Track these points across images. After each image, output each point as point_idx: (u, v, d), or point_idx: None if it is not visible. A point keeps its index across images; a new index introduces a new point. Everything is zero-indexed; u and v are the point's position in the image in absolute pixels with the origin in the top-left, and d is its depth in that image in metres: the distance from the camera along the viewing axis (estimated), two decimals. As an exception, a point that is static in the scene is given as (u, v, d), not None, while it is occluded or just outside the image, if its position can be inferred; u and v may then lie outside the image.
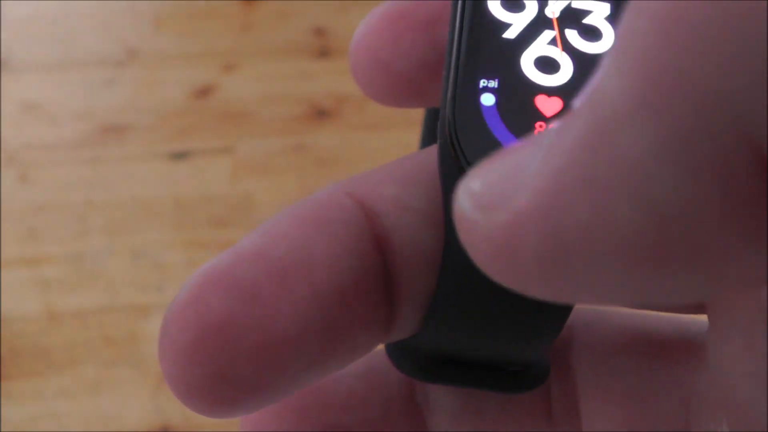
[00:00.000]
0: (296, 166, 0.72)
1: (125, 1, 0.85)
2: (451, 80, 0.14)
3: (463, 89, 0.14)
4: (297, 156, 0.72)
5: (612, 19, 0.15)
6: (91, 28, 0.83)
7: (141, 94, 0.77)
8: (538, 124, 0.13)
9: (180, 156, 0.73)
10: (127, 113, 0.76)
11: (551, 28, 0.14)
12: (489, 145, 0.13)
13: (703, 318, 0.14)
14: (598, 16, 0.15)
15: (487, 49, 0.14)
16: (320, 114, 0.75)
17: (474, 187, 0.10)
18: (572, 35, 0.15)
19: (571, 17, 0.15)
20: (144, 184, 0.71)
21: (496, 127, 0.13)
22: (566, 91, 0.14)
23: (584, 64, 0.14)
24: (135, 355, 0.61)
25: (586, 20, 0.15)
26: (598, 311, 0.17)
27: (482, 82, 0.14)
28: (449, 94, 0.14)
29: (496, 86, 0.14)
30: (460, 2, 0.15)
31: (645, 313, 0.16)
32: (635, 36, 0.08)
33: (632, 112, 0.08)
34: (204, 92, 0.77)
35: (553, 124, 0.09)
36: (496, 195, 0.10)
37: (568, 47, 0.14)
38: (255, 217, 0.69)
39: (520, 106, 0.14)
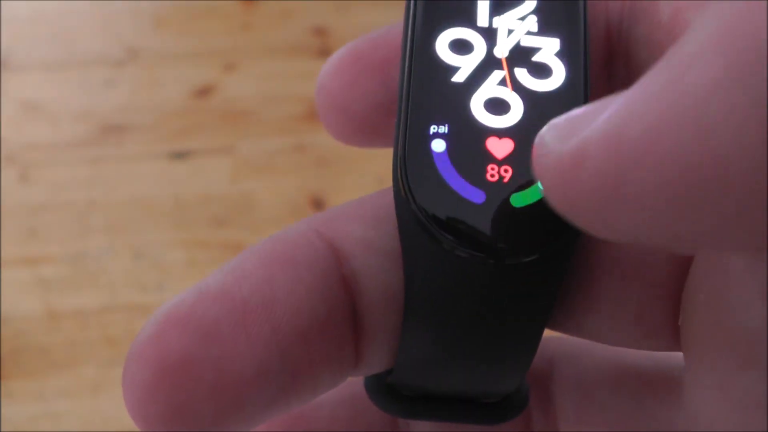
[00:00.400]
0: (296, 166, 0.72)
1: (125, 1, 0.85)
2: (401, 127, 0.14)
3: (414, 136, 0.13)
4: (297, 156, 0.72)
5: (561, 54, 0.14)
6: (91, 28, 0.83)
7: (141, 93, 0.77)
8: (490, 166, 0.13)
9: (180, 156, 0.73)
10: (127, 113, 0.76)
11: (500, 68, 0.14)
12: (441, 192, 0.13)
13: (681, 354, 0.14)
14: (548, 52, 0.14)
15: (436, 94, 0.14)
16: (320, 114, 0.75)
17: (557, 122, 0.11)
18: (522, 74, 0.14)
19: (521, 55, 0.14)
20: (144, 184, 0.71)
21: (448, 173, 0.13)
22: (517, 132, 0.14)
23: (534, 102, 0.14)
24: (135, 354, 0.61)
25: (535, 57, 0.14)
26: (579, 342, 0.16)
27: (432, 128, 0.14)
28: (400, 142, 0.14)
29: (446, 132, 0.14)
30: (408, 47, 0.14)
31: (625, 349, 0.16)
32: (714, 12, 0.09)
33: (704, 51, 0.09)
34: (204, 92, 0.77)
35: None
36: (571, 127, 0.10)
37: (517, 87, 0.14)
38: (255, 217, 0.69)
39: (471, 150, 0.13)
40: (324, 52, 0.80)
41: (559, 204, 0.11)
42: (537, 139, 0.11)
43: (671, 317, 0.14)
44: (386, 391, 0.15)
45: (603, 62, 0.16)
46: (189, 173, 0.72)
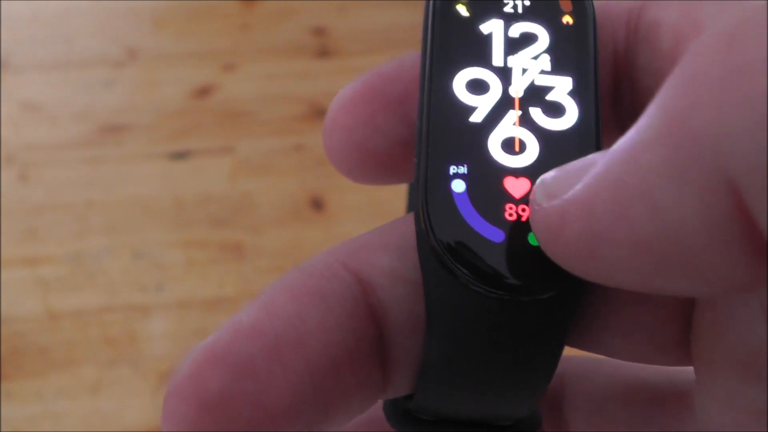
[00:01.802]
0: (296, 166, 0.72)
1: (125, 1, 0.85)
2: (422, 168, 0.14)
3: (434, 176, 0.14)
4: (297, 156, 0.72)
5: (574, 93, 0.15)
6: (91, 28, 0.83)
7: (140, 94, 0.77)
8: (508, 206, 0.14)
9: (180, 156, 0.73)
10: (126, 113, 0.76)
11: (516, 107, 0.15)
12: (462, 231, 0.14)
13: (691, 369, 0.15)
14: (561, 91, 0.15)
15: (455, 135, 0.14)
16: (320, 114, 0.75)
17: (546, 180, 0.13)
18: (536, 113, 0.15)
19: (535, 95, 0.15)
20: (144, 184, 0.71)
21: (468, 212, 0.14)
22: (533, 171, 0.14)
23: (549, 141, 0.14)
24: (135, 354, 0.61)
25: (549, 96, 0.15)
26: (589, 361, 0.17)
27: (452, 169, 0.14)
28: (421, 182, 0.14)
29: (465, 172, 0.14)
30: (426, 87, 0.15)
31: (635, 364, 0.16)
32: (665, 96, 0.11)
33: (654, 140, 0.11)
34: (204, 92, 0.77)
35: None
36: (557, 187, 0.12)
37: (533, 126, 0.15)
38: (254, 217, 0.69)
39: (489, 190, 0.14)
40: (323, 52, 0.80)
41: (548, 252, 0.12)
42: (532, 193, 0.13)
43: (683, 334, 0.14)
44: (404, 415, 0.16)
45: (611, 87, 0.16)
46: (188, 173, 0.72)
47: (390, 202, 0.69)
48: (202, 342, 0.13)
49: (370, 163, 0.15)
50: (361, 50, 0.80)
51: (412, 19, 0.83)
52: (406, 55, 0.16)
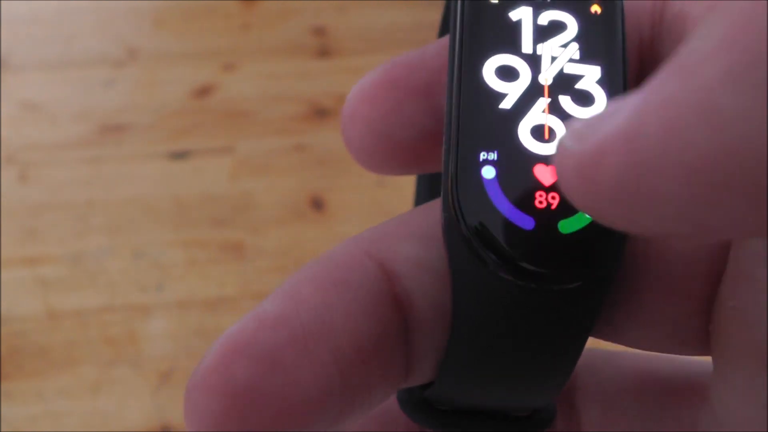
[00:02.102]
0: (296, 166, 0.72)
1: (125, 1, 0.85)
2: (452, 153, 0.14)
3: (465, 163, 0.14)
4: (297, 156, 0.72)
5: (602, 82, 0.15)
6: (91, 28, 0.83)
7: (141, 93, 0.77)
8: (538, 193, 0.14)
9: (180, 156, 0.73)
10: (126, 113, 0.76)
11: (545, 95, 0.15)
12: (493, 217, 0.13)
13: (706, 359, 0.15)
14: (590, 79, 0.15)
15: (485, 121, 0.14)
16: (320, 113, 0.75)
17: (575, 125, 0.11)
18: (566, 101, 0.15)
19: (564, 83, 0.15)
20: (144, 184, 0.71)
21: (499, 199, 0.14)
22: None
23: None
24: (135, 354, 0.61)
25: (578, 85, 0.15)
26: (601, 353, 0.17)
27: (482, 155, 0.14)
28: (451, 170, 0.14)
29: (495, 158, 0.14)
30: (455, 74, 0.14)
31: (648, 354, 0.16)
32: (724, 10, 0.10)
33: (713, 49, 0.09)
34: (204, 92, 0.77)
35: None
36: (590, 128, 0.11)
37: (562, 114, 0.14)
38: (254, 217, 0.69)
39: (519, 176, 0.14)
40: (323, 52, 0.80)
41: (581, 203, 0.11)
42: (558, 144, 0.11)
43: (704, 325, 0.14)
44: (420, 404, 0.16)
45: (636, 78, 0.16)
46: (188, 173, 0.72)
47: (390, 202, 0.68)
48: (226, 332, 0.13)
49: (394, 155, 0.15)
50: (361, 50, 0.80)
51: (412, 19, 0.82)
52: (429, 45, 0.15)
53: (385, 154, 0.15)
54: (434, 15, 0.83)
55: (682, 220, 0.10)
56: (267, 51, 0.80)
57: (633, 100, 0.10)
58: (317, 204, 0.70)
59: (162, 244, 0.67)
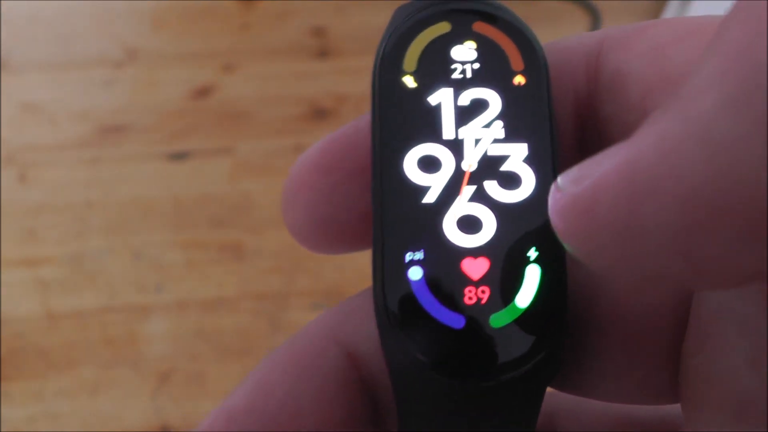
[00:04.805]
0: (295, 167, 0.72)
1: (124, 1, 0.84)
2: (378, 256, 0.14)
3: (391, 266, 0.13)
4: (296, 156, 0.72)
5: (530, 159, 0.14)
6: (90, 29, 0.83)
7: (140, 94, 0.77)
8: (467, 289, 0.13)
9: (179, 156, 0.73)
10: (126, 113, 0.76)
11: (470, 182, 0.14)
12: (422, 319, 0.13)
13: (679, 406, 0.15)
14: (516, 159, 0.14)
15: (409, 219, 0.14)
16: (319, 114, 0.75)
17: (570, 172, 0.11)
18: (491, 187, 0.14)
19: (489, 167, 0.14)
20: (143, 185, 0.71)
21: (427, 300, 0.13)
22: (491, 249, 0.14)
23: (506, 216, 0.14)
24: (134, 355, 0.61)
25: (504, 167, 0.14)
26: (579, 398, 0.17)
27: (408, 256, 0.14)
28: (378, 272, 0.14)
29: (422, 257, 0.14)
30: (377, 169, 0.14)
31: (623, 405, 0.16)
32: (719, 42, 0.10)
33: (708, 83, 0.09)
34: (203, 92, 0.77)
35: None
36: (585, 171, 0.11)
37: (488, 201, 0.14)
38: (254, 218, 0.68)
39: (447, 274, 0.13)
40: (323, 53, 0.80)
41: (575, 244, 0.11)
42: (552, 188, 0.11)
43: (673, 379, 0.14)
44: None
45: (575, 136, 0.16)
46: (188, 174, 0.72)
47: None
48: (198, 427, 0.13)
49: (336, 237, 0.15)
50: (360, 50, 0.80)
51: (411, 19, 0.82)
52: (362, 117, 0.15)
53: (327, 236, 0.15)
54: (434, 15, 0.83)
55: (676, 254, 0.10)
56: (266, 52, 0.80)
57: (629, 140, 0.10)
58: (317, 204, 0.69)
59: (161, 245, 0.67)
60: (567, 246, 0.11)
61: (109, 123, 0.75)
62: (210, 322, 0.62)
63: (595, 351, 0.14)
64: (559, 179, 0.11)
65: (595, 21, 0.80)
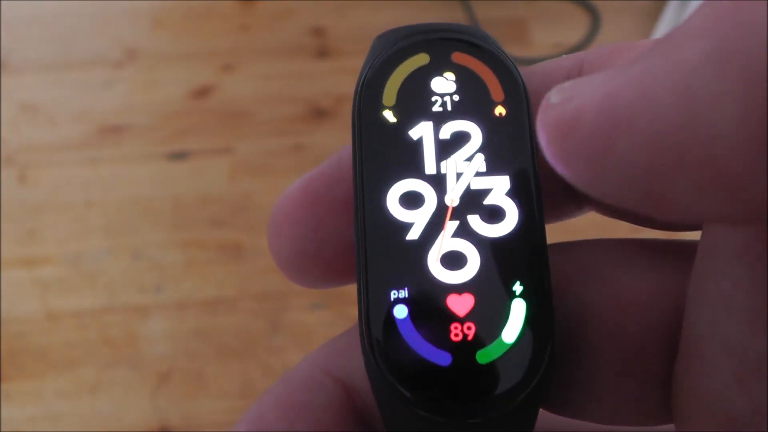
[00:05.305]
0: (295, 167, 0.72)
1: (124, 1, 0.84)
2: (363, 295, 0.14)
3: (376, 304, 0.13)
4: (296, 156, 0.72)
5: (512, 192, 0.14)
6: (90, 29, 0.83)
7: (139, 94, 0.77)
8: (453, 326, 0.13)
9: (179, 156, 0.73)
10: (125, 114, 0.76)
11: (453, 218, 0.14)
12: (408, 357, 0.13)
13: (671, 427, 0.15)
14: (499, 192, 0.14)
15: (393, 257, 0.14)
16: (319, 114, 0.75)
17: (564, 84, 0.12)
18: (475, 221, 0.14)
19: (472, 201, 0.14)
20: (143, 185, 0.71)
21: (413, 338, 0.13)
22: (476, 285, 0.14)
23: (490, 250, 0.14)
24: (134, 355, 0.61)
25: (487, 200, 0.14)
26: (567, 421, 0.17)
27: (393, 294, 0.14)
28: (363, 311, 0.14)
29: (406, 296, 0.14)
30: (359, 207, 0.14)
31: (614, 427, 0.16)
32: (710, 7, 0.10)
33: (695, 33, 0.10)
34: (202, 92, 0.77)
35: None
36: (574, 89, 0.11)
37: (472, 236, 0.14)
38: (254, 218, 0.68)
39: (432, 311, 0.13)
40: (323, 53, 0.80)
41: (555, 158, 0.11)
42: (543, 99, 0.12)
43: (663, 400, 0.15)
44: None
45: None
46: (187, 174, 0.72)
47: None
48: None
49: (323, 270, 0.15)
50: (360, 50, 0.80)
51: (411, 19, 0.82)
52: (344, 150, 0.15)
53: (314, 270, 0.15)
54: (433, 16, 0.83)
55: (639, 189, 0.10)
56: (266, 51, 0.80)
57: (616, 70, 0.11)
58: (316, 204, 0.69)
59: (161, 245, 0.67)
60: (549, 159, 0.12)
61: (108, 123, 0.75)
62: (209, 322, 0.62)
63: (586, 372, 0.14)
64: (552, 93, 0.12)
65: (595, 21, 0.80)
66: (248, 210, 0.69)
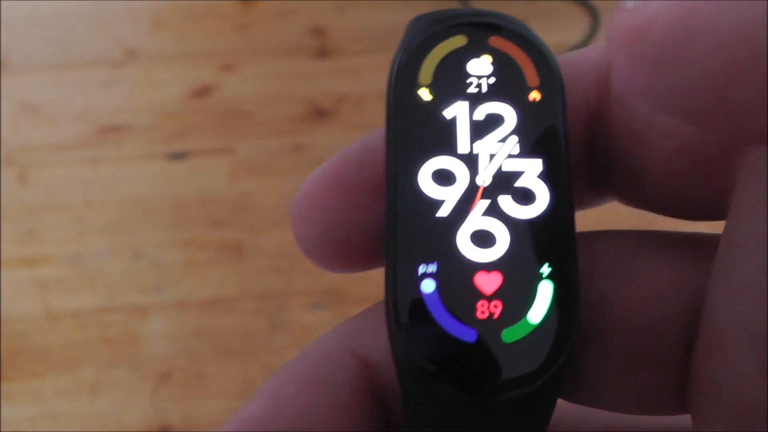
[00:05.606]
0: (295, 166, 0.72)
1: (123, 1, 0.84)
2: (391, 269, 0.14)
3: (403, 277, 0.14)
4: (296, 156, 0.72)
5: (544, 176, 0.14)
6: (90, 29, 0.83)
7: (139, 94, 0.77)
8: (480, 303, 0.13)
9: (179, 156, 0.73)
10: (125, 113, 0.76)
11: (484, 197, 0.14)
12: (434, 333, 0.13)
13: (685, 417, 0.15)
14: (531, 175, 0.14)
15: (423, 232, 0.14)
16: (319, 114, 0.75)
17: None
18: (506, 202, 0.14)
19: (504, 182, 0.14)
20: (143, 185, 0.71)
21: (439, 313, 0.13)
22: (505, 264, 0.14)
23: (520, 231, 0.14)
24: (134, 355, 0.61)
25: (518, 182, 0.14)
26: (577, 410, 0.17)
27: (421, 268, 0.14)
28: (390, 284, 0.14)
29: (435, 270, 0.14)
30: (392, 181, 0.14)
31: (627, 415, 0.16)
32: None
33: None
34: (202, 92, 0.77)
35: None
36: None
37: (502, 216, 0.14)
38: (254, 217, 0.68)
39: (460, 287, 0.14)
40: (323, 53, 0.80)
41: (625, 62, 0.11)
42: (620, 4, 0.12)
43: (679, 389, 0.15)
44: None
45: (584, 148, 0.16)
46: (187, 174, 0.72)
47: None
48: None
49: (352, 256, 0.15)
50: (360, 50, 0.80)
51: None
52: (369, 135, 0.15)
53: (343, 255, 0.15)
54: (433, 15, 0.83)
55: (710, 95, 0.10)
56: (266, 51, 0.80)
57: None
58: (316, 204, 0.69)
59: (161, 245, 0.67)
60: (613, 60, 0.11)
61: (108, 123, 0.75)
62: (210, 322, 0.62)
63: (601, 359, 0.14)
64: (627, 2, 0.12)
65: (595, 21, 0.80)
66: (248, 210, 0.69)
